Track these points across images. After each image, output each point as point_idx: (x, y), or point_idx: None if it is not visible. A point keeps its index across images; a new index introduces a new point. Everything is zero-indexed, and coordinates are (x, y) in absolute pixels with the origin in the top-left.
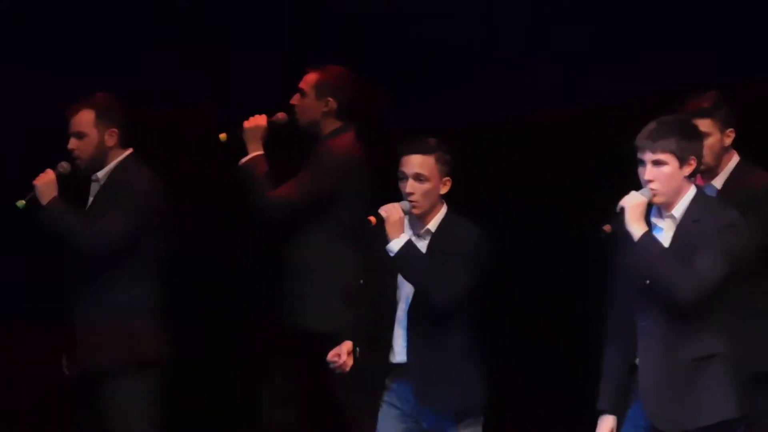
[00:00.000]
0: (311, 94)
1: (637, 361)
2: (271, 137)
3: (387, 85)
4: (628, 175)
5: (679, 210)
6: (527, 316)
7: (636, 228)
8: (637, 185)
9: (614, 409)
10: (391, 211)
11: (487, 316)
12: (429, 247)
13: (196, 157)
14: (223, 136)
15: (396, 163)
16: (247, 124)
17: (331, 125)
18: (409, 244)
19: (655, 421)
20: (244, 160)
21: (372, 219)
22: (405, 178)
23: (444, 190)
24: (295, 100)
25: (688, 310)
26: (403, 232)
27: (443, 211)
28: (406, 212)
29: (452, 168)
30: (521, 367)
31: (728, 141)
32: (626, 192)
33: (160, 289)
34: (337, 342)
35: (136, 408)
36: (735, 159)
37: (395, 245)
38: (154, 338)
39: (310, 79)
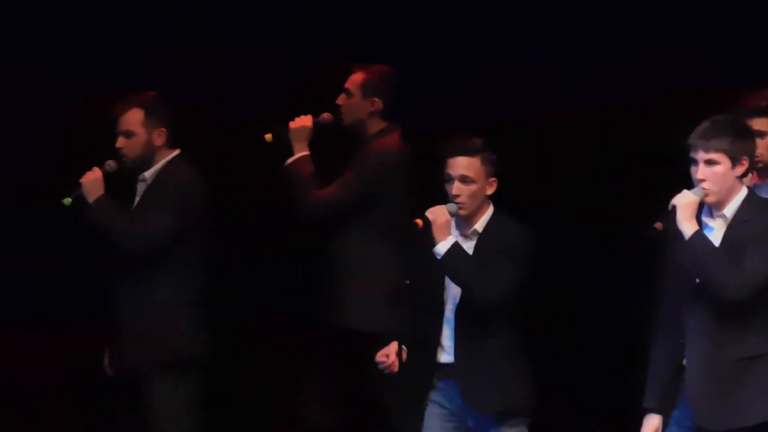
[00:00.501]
0: (357, 94)
1: (684, 361)
2: (317, 137)
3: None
4: (628, 174)
5: (730, 210)
6: (527, 316)
7: (687, 226)
8: (637, 185)
9: (660, 408)
10: (437, 214)
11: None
12: (476, 247)
13: (196, 157)
14: (268, 136)
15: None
16: (292, 124)
17: (376, 125)
18: (455, 247)
19: (701, 419)
20: (290, 160)
21: (419, 222)
22: (451, 180)
23: (490, 190)
24: (341, 100)
25: (736, 309)
26: (449, 234)
27: (490, 211)
28: (452, 214)
29: (498, 168)
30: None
31: None
32: (626, 192)
33: (204, 288)
34: (384, 342)
35: (178, 408)
36: None
37: (442, 248)
38: (197, 338)
39: (357, 78)
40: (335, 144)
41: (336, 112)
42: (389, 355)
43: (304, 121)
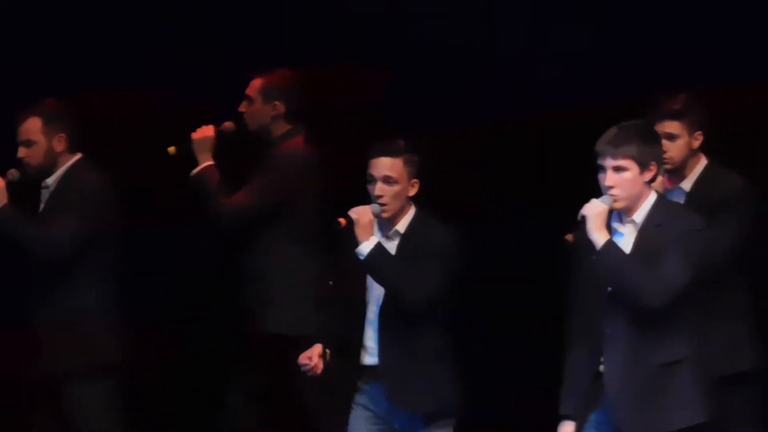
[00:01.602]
0: (258, 99)
1: (602, 368)
2: (223, 146)
3: (387, 85)
4: None
5: (640, 215)
6: (526, 316)
7: (598, 236)
8: None
9: (576, 415)
10: (361, 214)
11: (483, 316)
12: (399, 248)
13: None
14: (172, 149)
15: None
16: (195, 135)
17: (280, 129)
18: (378, 247)
19: (624, 426)
20: (195, 171)
21: (342, 221)
22: (374, 181)
23: (413, 191)
24: (243, 107)
25: (653, 316)
26: (372, 234)
27: (412, 212)
28: (376, 215)
29: (420, 169)
30: (525, 367)
31: (696, 143)
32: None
33: (116, 291)
34: (307, 345)
35: (97, 411)
36: (703, 161)
37: (365, 248)
38: (113, 340)
39: (256, 84)
40: (242, 151)
41: (240, 120)
42: (312, 357)
43: (207, 131)
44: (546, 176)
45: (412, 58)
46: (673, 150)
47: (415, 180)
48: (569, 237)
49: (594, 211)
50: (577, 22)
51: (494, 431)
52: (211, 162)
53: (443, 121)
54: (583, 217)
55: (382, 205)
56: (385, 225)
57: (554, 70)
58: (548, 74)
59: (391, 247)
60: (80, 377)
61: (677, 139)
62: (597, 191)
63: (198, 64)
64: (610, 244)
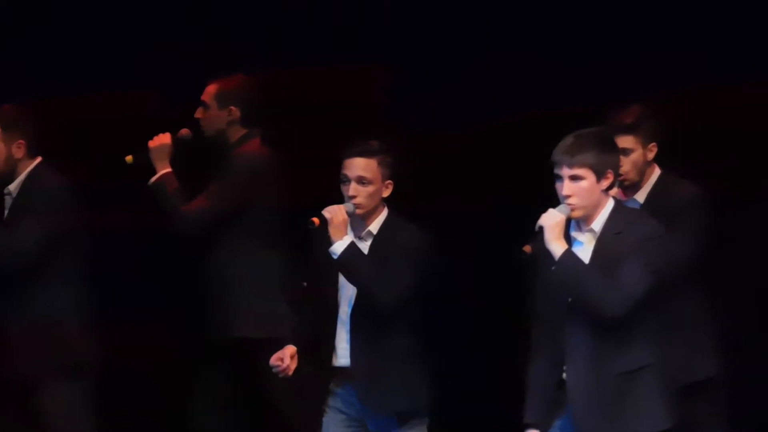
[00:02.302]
0: (213, 105)
1: (565, 376)
2: (181, 153)
3: (387, 85)
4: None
5: (598, 223)
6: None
7: (556, 246)
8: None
9: (539, 422)
10: (334, 213)
11: (488, 316)
12: (371, 249)
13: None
14: (129, 158)
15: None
16: (151, 143)
17: (237, 133)
18: (352, 247)
19: None
20: (153, 179)
21: (315, 220)
22: (348, 181)
23: (386, 193)
24: (199, 113)
25: (614, 324)
26: (346, 234)
27: (384, 213)
28: (350, 214)
29: (395, 170)
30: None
31: (651, 155)
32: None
33: (86, 292)
34: (278, 347)
35: (70, 411)
36: (657, 172)
37: (338, 247)
38: (85, 341)
39: (211, 90)
40: (200, 158)
41: (196, 126)
42: (284, 359)
43: (163, 139)
44: (546, 176)
45: (412, 58)
46: (628, 164)
47: (390, 181)
48: (527, 248)
49: (551, 221)
50: (576, 22)
51: (467, 430)
52: (168, 169)
53: (443, 121)
54: (541, 228)
55: (355, 205)
56: (358, 226)
57: (554, 69)
58: (548, 74)
59: (364, 247)
60: (53, 378)
61: (631, 153)
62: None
63: (198, 64)
64: (569, 255)
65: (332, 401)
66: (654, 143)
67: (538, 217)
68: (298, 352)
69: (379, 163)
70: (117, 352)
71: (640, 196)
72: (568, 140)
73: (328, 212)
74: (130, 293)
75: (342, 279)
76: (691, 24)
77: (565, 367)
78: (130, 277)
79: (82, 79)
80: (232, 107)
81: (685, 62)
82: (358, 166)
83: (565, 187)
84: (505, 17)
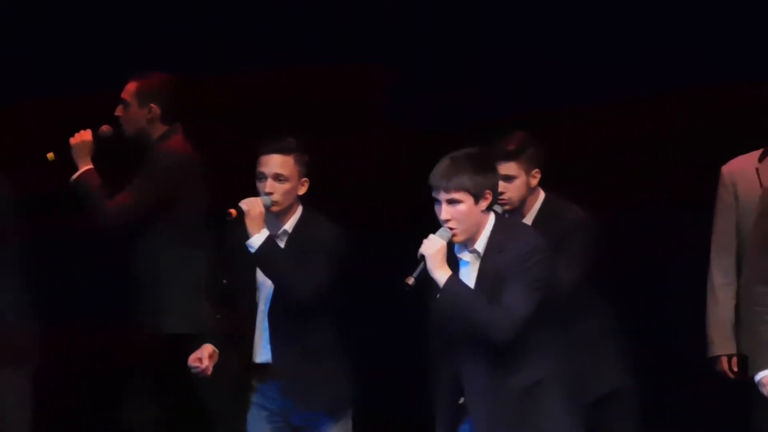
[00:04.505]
0: (134, 103)
1: (462, 400)
2: (103, 150)
3: (387, 85)
4: (627, 174)
5: (481, 243)
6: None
7: (440, 274)
8: (634, 187)
9: (450, 429)
10: (251, 205)
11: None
12: (286, 246)
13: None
14: (50, 155)
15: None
16: (72, 140)
17: (158, 130)
18: (269, 240)
19: None
20: (75, 176)
21: (232, 212)
22: (264, 178)
23: (302, 190)
24: (119, 111)
25: (505, 347)
26: (263, 227)
27: (299, 211)
28: (266, 207)
29: (310, 169)
30: None
31: (534, 182)
32: (629, 192)
33: (29, 291)
34: (198, 344)
35: (8, 404)
36: (541, 196)
37: (256, 241)
38: (27, 339)
39: (131, 88)
40: (121, 155)
41: (117, 124)
42: (202, 358)
43: (84, 136)
44: (545, 176)
45: (412, 58)
46: (512, 191)
47: (306, 179)
48: (409, 280)
49: (432, 249)
50: (576, 22)
51: (390, 422)
52: (90, 166)
53: (443, 121)
54: (422, 256)
55: (272, 201)
56: (273, 224)
57: (554, 70)
58: (548, 74)
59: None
60: None
61: (514, 179)
62: (597, 191)
63: (198, 64)
64: (453, 282)
65: (255, 397)
66: (537, 169)
67: None
68: (219, 349)
69: (296, 161)
70: (52, 349)
71: (527, 222)
72: (444, 163)
73: (245, 204)
74: (65, 291)
75: (260, 276)
76: (691, 24)
77: (463, 386)
78: (65, 275)
79: (82, 79)
80: (152, 105)
81: (685, 62)
82: (275, 163)
83: (444, 212)
84: (505, 17)
